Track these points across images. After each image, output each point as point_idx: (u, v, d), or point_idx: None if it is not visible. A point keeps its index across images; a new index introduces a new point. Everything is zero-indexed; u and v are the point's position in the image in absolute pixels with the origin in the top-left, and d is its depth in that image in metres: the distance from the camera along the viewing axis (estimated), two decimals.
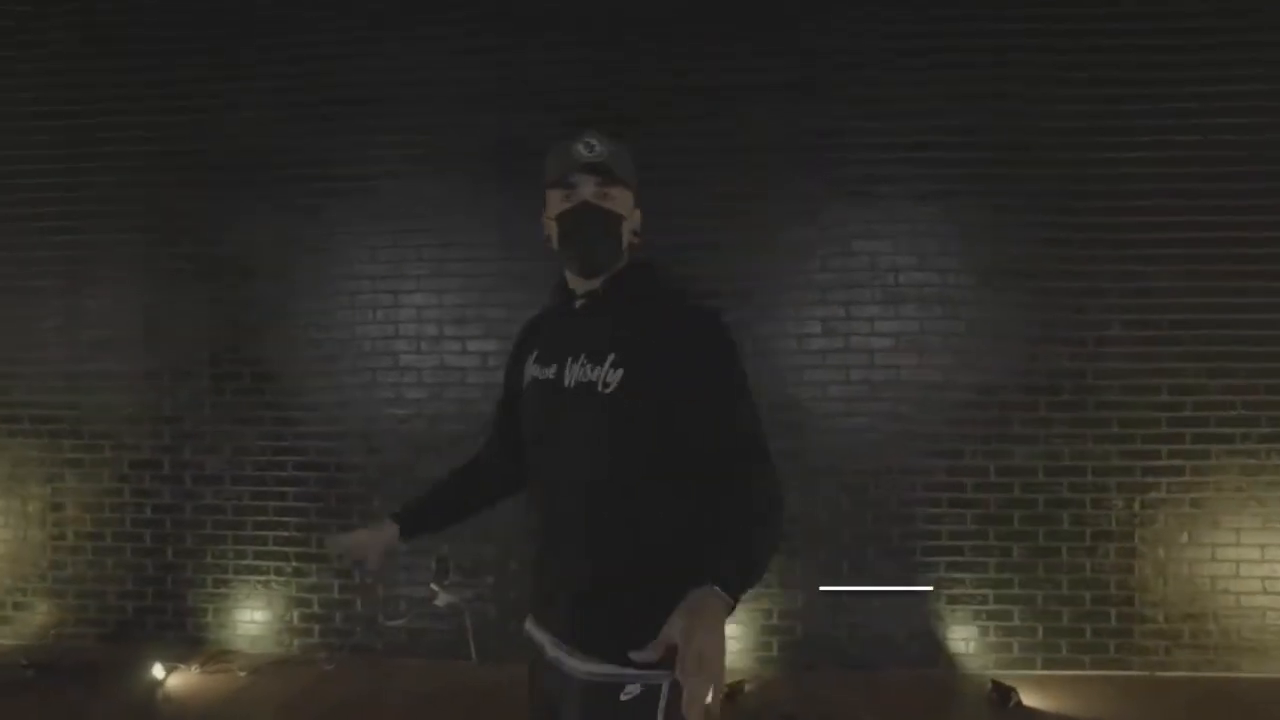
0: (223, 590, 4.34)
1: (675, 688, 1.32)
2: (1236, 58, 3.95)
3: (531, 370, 1.71)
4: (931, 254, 4.07)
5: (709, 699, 1.14)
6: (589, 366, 1.57)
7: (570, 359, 1.60)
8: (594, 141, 1.58)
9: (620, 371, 1.53)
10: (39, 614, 4.44)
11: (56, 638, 4.40)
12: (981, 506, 4.04)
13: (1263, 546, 3.96)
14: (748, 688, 3.78)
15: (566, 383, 1.59)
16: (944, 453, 4.06)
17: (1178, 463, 3.98)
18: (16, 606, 4.46)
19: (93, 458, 4.39)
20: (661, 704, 1.49)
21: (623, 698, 1.49)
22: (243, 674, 4.05)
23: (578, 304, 1.67)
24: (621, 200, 1.62)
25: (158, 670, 3.95)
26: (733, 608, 1.28)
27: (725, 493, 1.42)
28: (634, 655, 1.28)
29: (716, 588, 1.27)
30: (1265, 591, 3.96)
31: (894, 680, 3.94)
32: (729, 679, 3.81)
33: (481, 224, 4.21)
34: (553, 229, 1.63)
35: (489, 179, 4.19)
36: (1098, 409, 4.00)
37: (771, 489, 1.45)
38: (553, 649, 1.61)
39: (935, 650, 4.04)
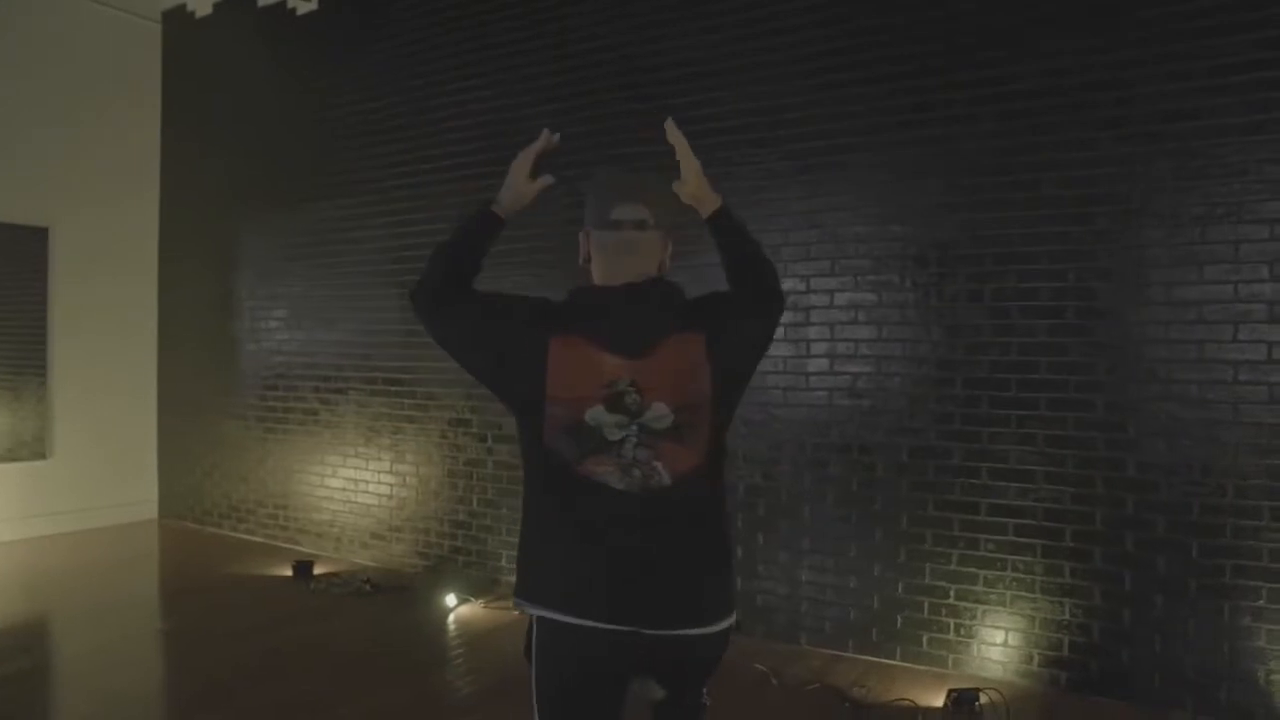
0: (514, 538, 4.87)
1: None
2: None
3: None
4: (1251, 201, 3.28)
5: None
6: None
7: None
8: (618, 182, 1.84)
9: None
10: (387, 543, 5.37)
11: (399, 565, 5.29)
12: None
13: None
14: (984, 699, 3.36)
15: None
16: (1264, 449, 3.23)
17: None
18: (374, 536, 5.43)
19: (423, 415, 5.20)
20: None
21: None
22: (516, 613, 4.52)
23: None
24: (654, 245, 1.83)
25: (450, 600, 4.58)
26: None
27: None
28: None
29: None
30: None
31: None
32: (974, 685, 3.44)
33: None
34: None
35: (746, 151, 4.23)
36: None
37: None
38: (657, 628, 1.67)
39: (1254, 698, 3.23)
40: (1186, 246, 3.38)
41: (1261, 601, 3.24)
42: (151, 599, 4.90)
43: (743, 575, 4.18)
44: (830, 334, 4.05)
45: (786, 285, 2.18)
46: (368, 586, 4.87)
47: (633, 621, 1.63)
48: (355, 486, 5.50)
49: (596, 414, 1.64)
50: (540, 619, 1.70)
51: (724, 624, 1.72)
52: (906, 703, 3.42)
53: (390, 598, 4.75)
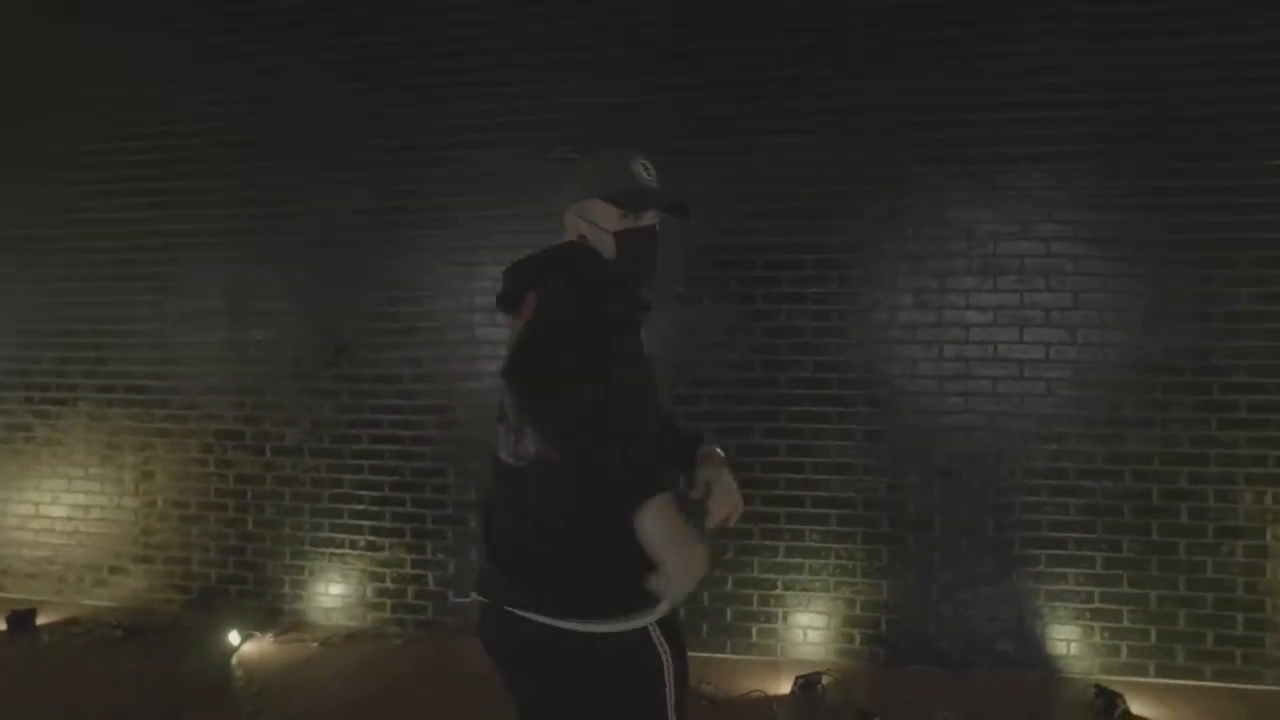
0: (299, 562, 4.37)
1: None
2: None
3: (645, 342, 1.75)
4: (1034, 221, 3.75)
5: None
6: None
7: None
8: (650, 166, 1.74)
9: None
10: (131, 579, 4.57)
11: (146, 602, 4.52)
12: (1087, 496, 3.70)
13: None
14: (825, 680, 3.56)
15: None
16: (1046, 436, 3.74)
17: None
18: (112, 571, 4.60)
19: (181, 427, 4.50)
20: None
21: None
22: (314, 644, 4.06)
23: None
24: (652, 218, 1.75)
25: (234, 637, 4.01)
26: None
27: None
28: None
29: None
30: None
31: (984, 681, 3.65)
32: (809, 670, 3.62)
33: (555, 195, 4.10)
34: (608, 241, 1.70)
35: (565, 149, 4.08)
36: (1223, 391, 3.61)
37: None
38: None
39: (1033, 650, 3.72)
40: (983, 259, 3.79)
41: (1041, 566, 3.74)
42: None
43: None
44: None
45: None
46: (119, 632, 4.13)
47: None
48: (85, 514, 4.62)
49: None
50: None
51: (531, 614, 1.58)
52: (758, 694, 3.53)
53: (151, 642, 4.06)
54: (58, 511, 4.65)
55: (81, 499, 4.62)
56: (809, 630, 3.91)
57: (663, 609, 1.57)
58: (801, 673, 3.59)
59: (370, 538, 4.29)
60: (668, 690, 1.61)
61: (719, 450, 1.79)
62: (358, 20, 4.31)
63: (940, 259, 3.84)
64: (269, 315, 4.40)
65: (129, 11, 4.54)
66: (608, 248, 1.70)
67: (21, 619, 4.23)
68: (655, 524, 1.37)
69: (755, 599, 3.95)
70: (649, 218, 1.73)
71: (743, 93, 3.96)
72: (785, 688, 3.55)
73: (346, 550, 4.32)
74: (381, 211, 4.28)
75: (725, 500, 1.71)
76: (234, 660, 3.87)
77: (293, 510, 4.38)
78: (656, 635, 1.61)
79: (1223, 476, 3.62)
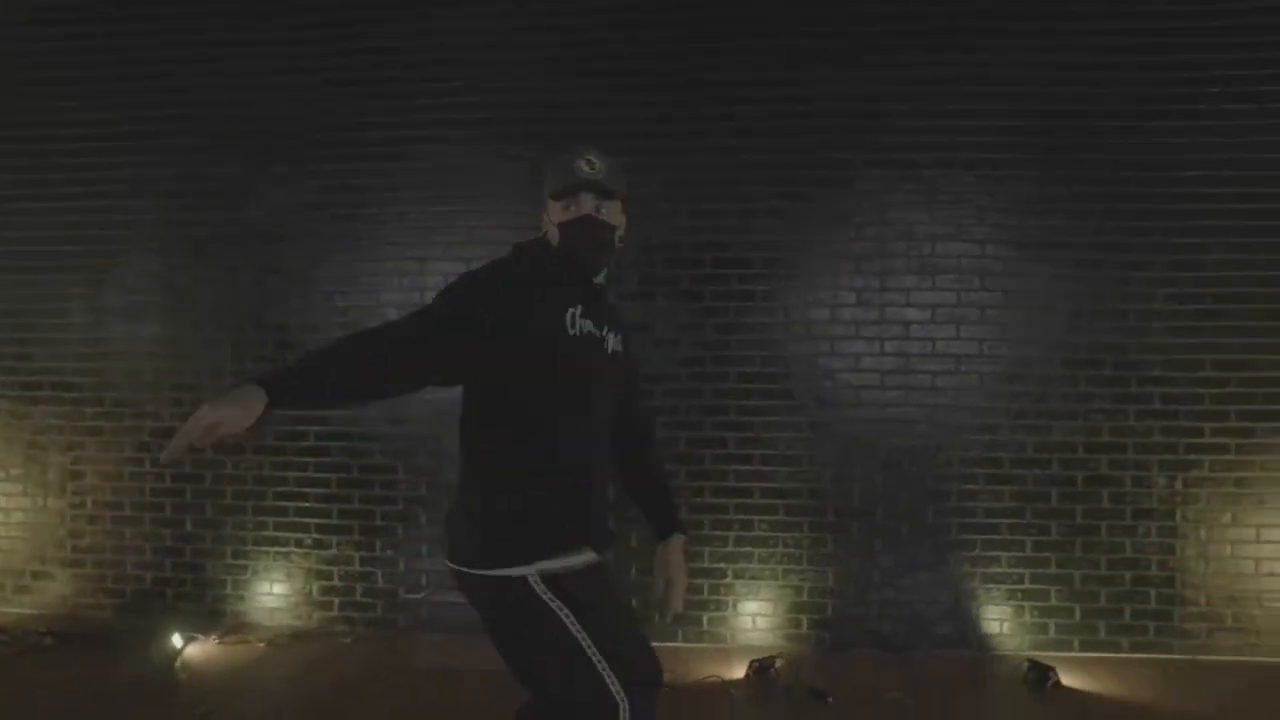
0: (242, 562, 4.28)
1: None
2: None
3: (582, 324, 1.90)
4: (970, 224, 3.97)
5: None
6: (614, 338, 2.00)
7: (606, 329, 1.97)
8: (595, 160, 1.89)
9: (623, 345, 2.05)
10: (57, 584, 4.39)
11: (74, 608, 4.35)
12: (1019, 483, 3.94)
13: None
14: (778, 664, 3.69)
15: (608, 348, 1.98)
16: (980, 427, 3.96)
17: (1222, 440, 3.87)
18: (35, 576, 4.41)
19: (114, 425, 4.34)
20: None
21: None
22: (261, 645, 3.98)
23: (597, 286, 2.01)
24: (614, 213, 1.95)
25: (176, 640, 3.90)
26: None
27: (654, 444, 2.28)
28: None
29: (683, 536, 2.17)
30: None
31: (926, 662, 3.84)
32: (761, 655, 3.74)
33: (512, 190, 4.13)
34: (554, 233, 1.93)
35: (518, 146, 4.12)
36: (1140, 384, 3.90)
37: None
38: (601, 555, 1.96)
39: (970, 630, 3.94)
40: (922, 259, 3.99)
41: (977, 551, 3.96)
42: None
43: None
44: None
45: None
46: (48, 639, 3.96)
47: None
48: (6, 518, 4.41)
49: None
50: None
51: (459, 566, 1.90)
52: (714, 679, 3.63)
53: (84, 649, 3.91)
54: None
55: (1, 501, 4.42)
56: (758, 617, 4.04)
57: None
58: (754, 658, 3.71)
59: (317, 535, 4.23)
60: (560, 623, 1.80)
61: (682, 540, 2.15)
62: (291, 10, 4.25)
63: (882, 259, 4.02)
64: (207, 309, 4.29)
65: None
66: (555, 238, 1.93)
67: None
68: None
69: (706, 588, 4.06)
70: (587, 207, 1.89)
71: (696, 95, 4.07)
72: (739, 673, 3.67)
73: (292, 548, 4.24)
74: (329, 205, 4.22)
75: (679, 596, 2.11)
76: (177, 664, 3.77)
77: (235, 509, 4.28)
78: (538, 585, 1.81)
79: (1139, 463, 3.90)
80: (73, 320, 4.35)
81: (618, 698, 1.77)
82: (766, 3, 4.05)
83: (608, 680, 1.78)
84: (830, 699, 3.41)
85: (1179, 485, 3.89)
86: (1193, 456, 3.88)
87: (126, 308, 4.33)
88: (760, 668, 3.64)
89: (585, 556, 1.89)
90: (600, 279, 2.01)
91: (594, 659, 1.78)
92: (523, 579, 1.81)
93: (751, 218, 4.05)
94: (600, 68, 4.11)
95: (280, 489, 4.25)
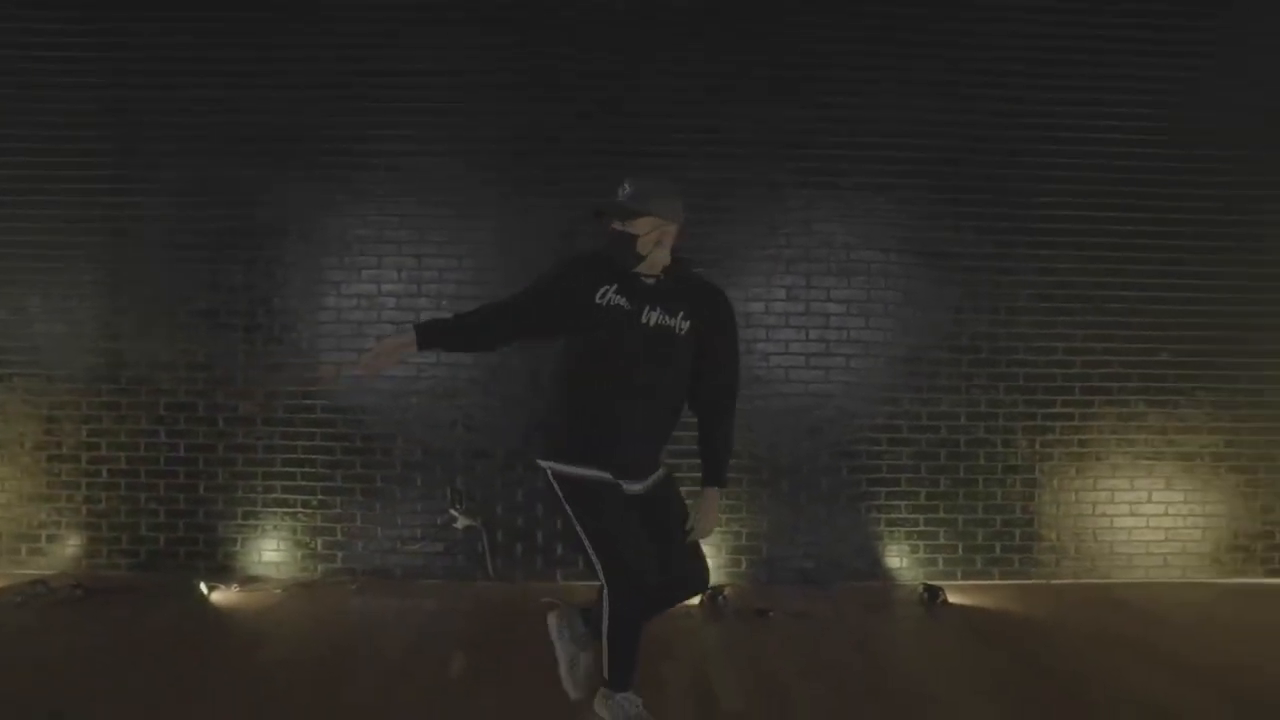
0: (252, 522, 4.81)
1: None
2: (1140, 72, 4.91)
3: (613, 298, 2.65)
4: (876, 235, 4.88)
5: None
6: (665, 315, 2.67)
7: (648, 307, 2.65)
8: (626, 186, 2.66)
9: (688, 323, 2.70)
10: (70, 545, 4.81)
11: (89, 567, 4.78)
12: (915, 445, 4.88)
13: (1131, 478, 4.92)
14: (726, 592, 4.50)
15: (645, 320, 2.65)
16: (885, 400, 4.88)
17: (1069, 410, 4.91)
18: (50, 540, 4.81)
19: (130, 400, 4.80)
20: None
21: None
22: (278, 592, 4.54)
23: (648, 280, 2.70)
24: (640, 225, 2.63)
25: (202, 588, 4.42)
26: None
27: (722, 414, 2.87)
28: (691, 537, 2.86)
29: (716, 489, 2.86)
30: (1132, 514, 4.93)
31: (843, 592, 4.73)
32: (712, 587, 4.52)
33: (496, 197, 4.81)
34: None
35: (503, 156, 4.80)
36: (1008, 365, 4.89)
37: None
38: (630, 485, 2.74)
39: (876, 564, 4.85)
40: (839, 262, 4.88)
41: (881, 500, 4.88)
42: None
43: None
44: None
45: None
46: (79, 592, 4.41)
47: None
48: (18, 485, 4.81)
49: None
50: None
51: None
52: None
53: (114, 600, 4.37)
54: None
55: (13, 470, 4.81)
56: (709, 559, 4.83)
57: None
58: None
59: (323, 496, 4.80)
60: (568, 512, 2.67)
61: (716, 492, 2.86)
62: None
63: (807, 262, 4.88)
64: (221, 296, 4.80)
65: None
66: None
67: None
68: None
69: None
70: (619, 223, 2.66)
71: (645, 121, 4.83)
72: (696, 600, 4.45)
73: (299, 509, 4.80)
74: (335, 206, 4.80)
75: (702, 530, 2.84)
76: (210, 609, 4.29)
77: (245, 474, 4.81)
78: (555, 480, 2.68)
79: (1007, 429, 4.90)
80: (97, 303, 4.79)
81: (607, 584, 2.60)
82: (717, 43, 4.85)
83: (598, 568, 2.62)
84: (771, 613, 4.25)
85: (1037, 446, 4.91)
86: (1048, 423, 4.91)
87: (143, 295, 4.79)
88: (713, 596, 4.44)
89: (597, 474, 2.64)
90: (641, 268, 2.67)
91: (589, 548, 2.61)
92: (546, 470, 2.70)
93: (699, 226, 4.84)
94: (564, 95, 4.83)
95: (288, 456, 4.80)
